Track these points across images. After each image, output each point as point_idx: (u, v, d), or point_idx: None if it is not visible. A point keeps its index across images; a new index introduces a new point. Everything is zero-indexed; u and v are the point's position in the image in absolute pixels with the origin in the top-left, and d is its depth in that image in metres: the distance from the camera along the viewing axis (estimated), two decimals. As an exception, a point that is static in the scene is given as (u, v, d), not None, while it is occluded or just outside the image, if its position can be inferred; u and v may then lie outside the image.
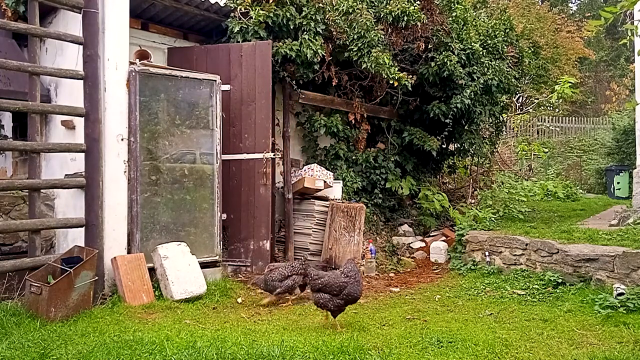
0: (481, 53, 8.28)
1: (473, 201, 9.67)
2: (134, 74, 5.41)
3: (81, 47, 5.08)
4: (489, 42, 8.65)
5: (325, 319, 4.53)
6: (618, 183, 12.53)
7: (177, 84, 5.81)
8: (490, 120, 9.84)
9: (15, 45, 6.21)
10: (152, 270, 5.28)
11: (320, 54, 6.82)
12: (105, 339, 3.80)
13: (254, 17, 6.43)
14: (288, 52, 6.59)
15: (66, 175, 5.56)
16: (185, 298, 5.11)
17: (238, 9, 6.55)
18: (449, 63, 7.74)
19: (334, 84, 7.51)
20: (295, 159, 7.60)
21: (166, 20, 6.70)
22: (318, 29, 6.86)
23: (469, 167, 10.92)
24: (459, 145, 9.22)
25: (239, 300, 5.41)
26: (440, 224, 9.10)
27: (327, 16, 7.07)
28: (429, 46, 7.93)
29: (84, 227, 4.99)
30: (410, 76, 7.39)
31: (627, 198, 11.03)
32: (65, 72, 5.10)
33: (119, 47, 5.27)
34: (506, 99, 10.19)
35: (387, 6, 7.49)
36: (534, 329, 4.33)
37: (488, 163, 11.23)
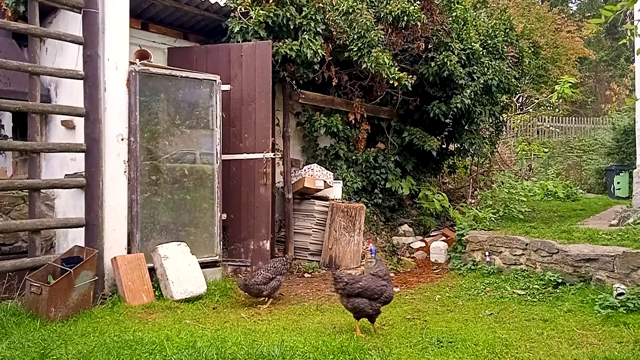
0: (481, 53, 8.28)
1: (473, 201, 9.67)
2: (134, 74, 5.41)
3: (81, 47, 5.09)
4: (489, 42, 8.65)
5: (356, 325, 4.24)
6: (618, 183, 12.53)
7: (177, 84, 5.81)
8: (490, 120, 9.83)
9: (15, 45, 6.21)
10: (152, 270, 5.28)
11: (320, 54, 6.82)
12: (105, 339, 3.81)
13: (254, 17, 6.43)
14: (288, 52, 6.60)
15: (66, 175, 5.56)
16: (185, 298, 5.12)
17: (238, 9, 6.55)
18: (449, 63, 7.73)
19: (334, 84, 7.51)
20: (295, 159, 7.61)
21: (166, 20, 6.70)
22: (318, 29, 6.86)
23: (469, 167, 10.92)
24: (459, 145, 9.22)
25: (239, 300, 5.42)
26: (440, 224, 9.10)
27: (327, 16, 7.07)
28: (429, 46, 7.93)
29: (84, 227, 4.99)
30: (410, 76, 7.38)
31: (627, 198, 11.03)
32: (65, 72, 5.10)
33: (119, 47, 5.28)
34: (506, 99, 10.19)
35: (387, 6, 7.48)
36: (534, 329, 4.33)
37: (488, 163, 11.24)
